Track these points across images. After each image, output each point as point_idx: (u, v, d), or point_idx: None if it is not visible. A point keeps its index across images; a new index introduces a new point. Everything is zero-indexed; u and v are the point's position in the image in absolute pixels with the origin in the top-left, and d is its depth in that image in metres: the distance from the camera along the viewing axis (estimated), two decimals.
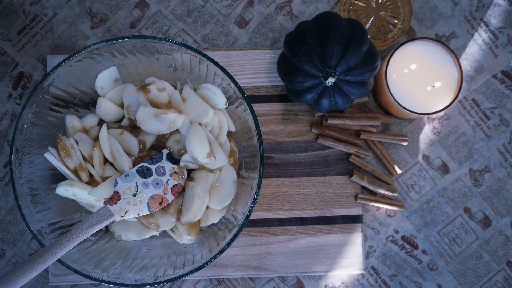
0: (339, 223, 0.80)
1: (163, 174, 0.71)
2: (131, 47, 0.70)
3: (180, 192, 0.72)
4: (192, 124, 0.71)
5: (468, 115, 0.82)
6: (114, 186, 0.69)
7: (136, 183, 0.70)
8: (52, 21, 0.81)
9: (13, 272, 0.58)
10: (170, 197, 0.71)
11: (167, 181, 0.71)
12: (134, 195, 0.69)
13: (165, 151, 0.73)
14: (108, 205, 0.68)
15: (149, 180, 0.70)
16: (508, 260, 0.81)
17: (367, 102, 0.81)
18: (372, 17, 0.79)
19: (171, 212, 0.71)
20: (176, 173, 0.72)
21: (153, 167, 0.71)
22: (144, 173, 0.71)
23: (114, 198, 0.69)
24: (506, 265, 0.81)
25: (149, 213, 0.70)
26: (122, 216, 0.68)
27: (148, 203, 0.69)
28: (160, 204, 0.70)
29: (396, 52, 0.74)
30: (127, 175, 0.70)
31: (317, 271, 0.79)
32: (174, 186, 0.71)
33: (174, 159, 0.73)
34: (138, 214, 0.69)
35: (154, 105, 0.72)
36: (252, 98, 0.80)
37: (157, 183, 0.70)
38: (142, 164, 0.71)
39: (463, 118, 0.82)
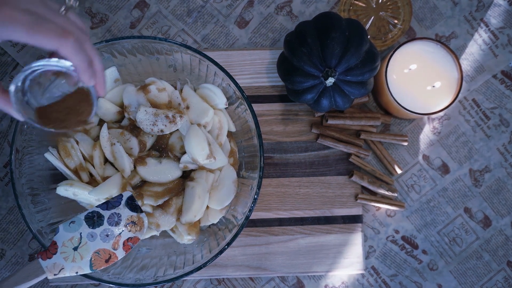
0: (339, 223, 0.80)
1: (117, 224, 0.62)
2: (131, 47, 0.70)
3: (135, 242, 0.63)
4: (191, 125, 0.71)
5: (468, 115, 0.82)
6: (55, 235, 0.60)
7: (80, 233, 0.60)
8: None
9: None
10: (120, 253, 0.61)
11: (119, 233, 0.61)
12: (75, 248, 0.60)
13: (126, 194, 0.63)
14: (39, 260, 0.58)
15: (98, 230, 0.61)
16: (508, 260, 0.81)
17: (367, 102, 0.81)
18: (372, 17, 0.79)
19: (171, 212, 0.71)
20: (134, 223, 0.62)
21: (106, 213, 0.61)
22: (94, 221, 0.61)
23: (49, 251, 0.59)
24: (506, 265, 0.81)
25: (90, 272, 0.61)
26: (55, 275, 0.59)
27: (91, 259, 0.60)
28: (107, 261, 0.61)
29: (396, 52, 0.74)
30: (73, 222, 0.61)
31: (317, 271, 0.79)
32: (128, 239, 0.62)
33: (134, 206, 0.63)
34: (77, 272, 0.60)
35: (154, 105, 0.72)
36: (252, 98, 0.80)
37: (107, 235, 0.61)
38: (93, 209, 0.62)
39: (463, 118, 0.82)
